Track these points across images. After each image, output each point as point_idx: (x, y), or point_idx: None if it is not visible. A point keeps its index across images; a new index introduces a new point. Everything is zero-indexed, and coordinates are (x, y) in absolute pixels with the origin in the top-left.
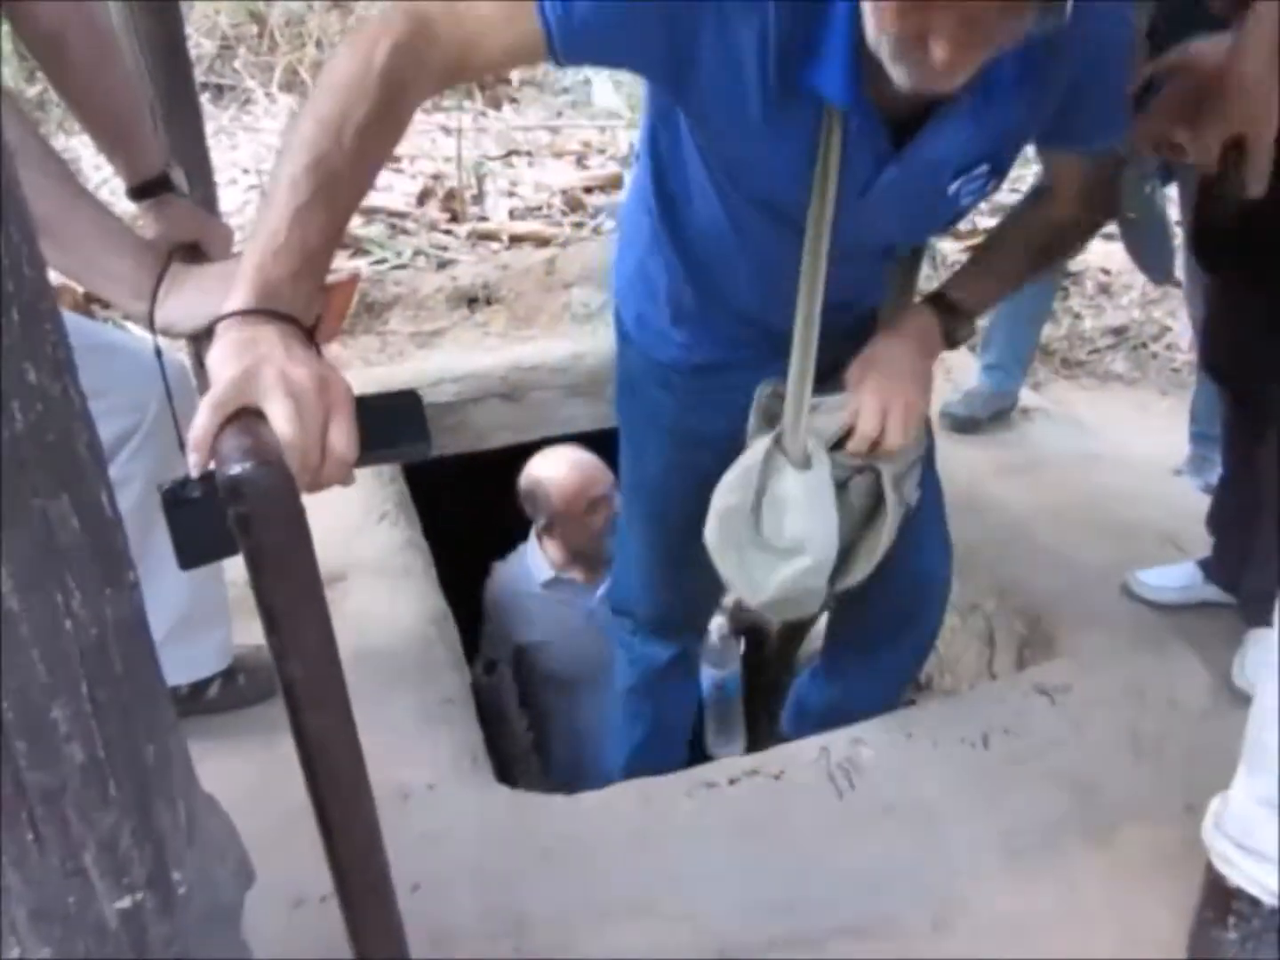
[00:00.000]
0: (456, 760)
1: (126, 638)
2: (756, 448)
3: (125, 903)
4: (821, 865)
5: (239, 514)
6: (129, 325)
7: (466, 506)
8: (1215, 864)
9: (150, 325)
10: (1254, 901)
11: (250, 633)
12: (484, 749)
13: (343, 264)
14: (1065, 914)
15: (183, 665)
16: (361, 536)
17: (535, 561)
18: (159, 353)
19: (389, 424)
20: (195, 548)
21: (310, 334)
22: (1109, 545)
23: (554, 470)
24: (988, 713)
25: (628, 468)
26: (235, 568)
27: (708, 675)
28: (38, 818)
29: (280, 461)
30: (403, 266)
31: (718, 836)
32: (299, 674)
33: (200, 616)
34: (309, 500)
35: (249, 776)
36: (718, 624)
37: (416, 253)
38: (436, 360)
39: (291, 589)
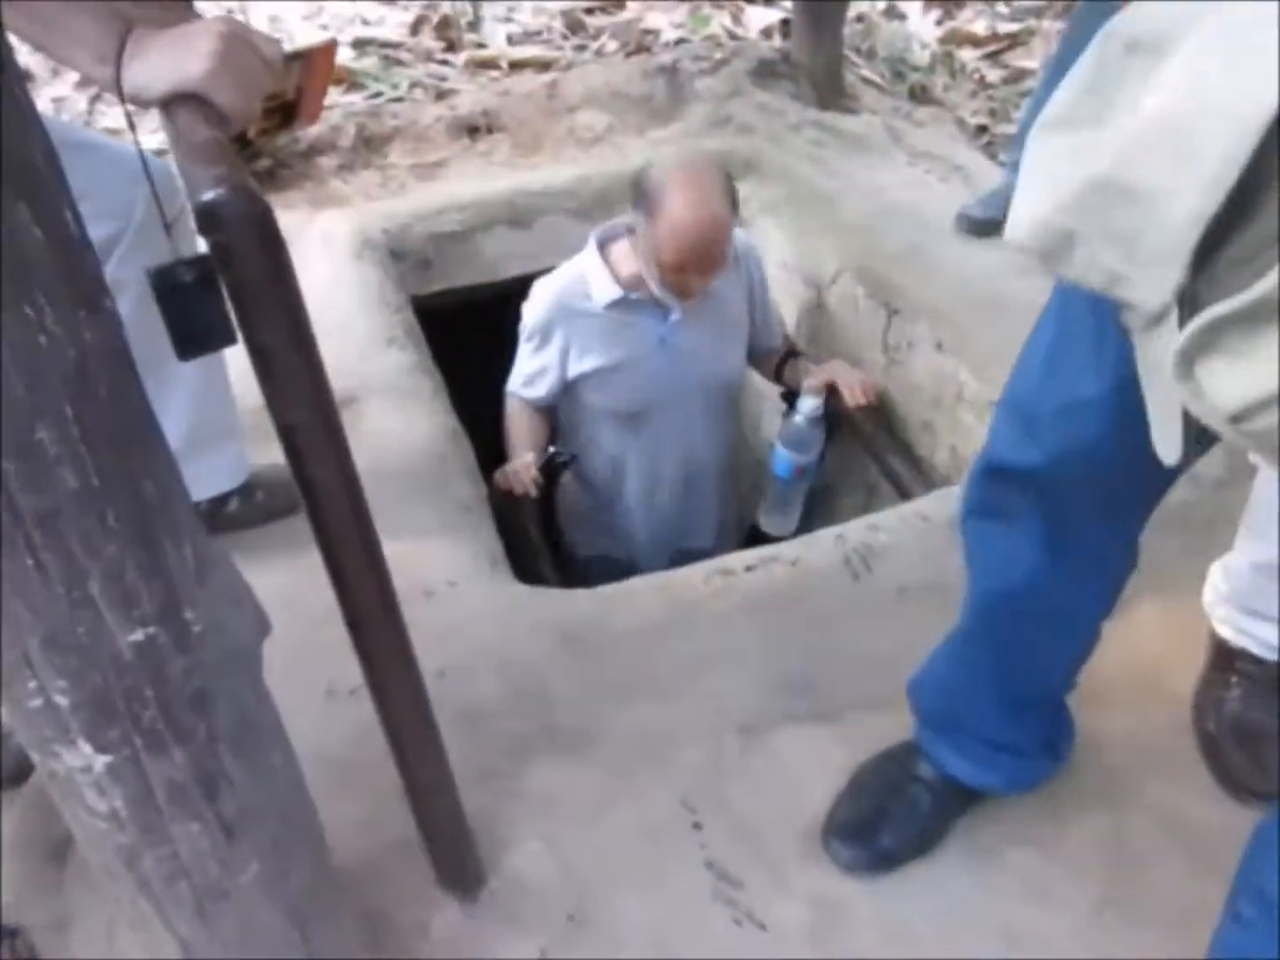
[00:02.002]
0: (476, 561)
1: (108, 365)
2: None
3: (138, 635)
4: (838, 645)
5: (217, 243)
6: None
7: (478, 337)
8: (1218, 629)
9: (118, 91)
10: (1257, 660)
11: (266, 455)
12: (503, 553)
13: (337, 99)
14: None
15: (198, 480)
16: (370, 361)
17: (597, 277)
18: (139, 145)
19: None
20: (192, 335)
21: (293, 113)
22: None
23: (686, 208)
24: None
25: None
26: (250, 394)
27: (786, 457)
28: (36, 544)
29: (255, 189)
30: (400, 99)
31: (736, 621)
32: (296, 420)
33: (211, 430)
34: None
35: (276, 585)
36: (809, 406)
37: (413, 84)
38: (439, 190)
39: (279, 325)
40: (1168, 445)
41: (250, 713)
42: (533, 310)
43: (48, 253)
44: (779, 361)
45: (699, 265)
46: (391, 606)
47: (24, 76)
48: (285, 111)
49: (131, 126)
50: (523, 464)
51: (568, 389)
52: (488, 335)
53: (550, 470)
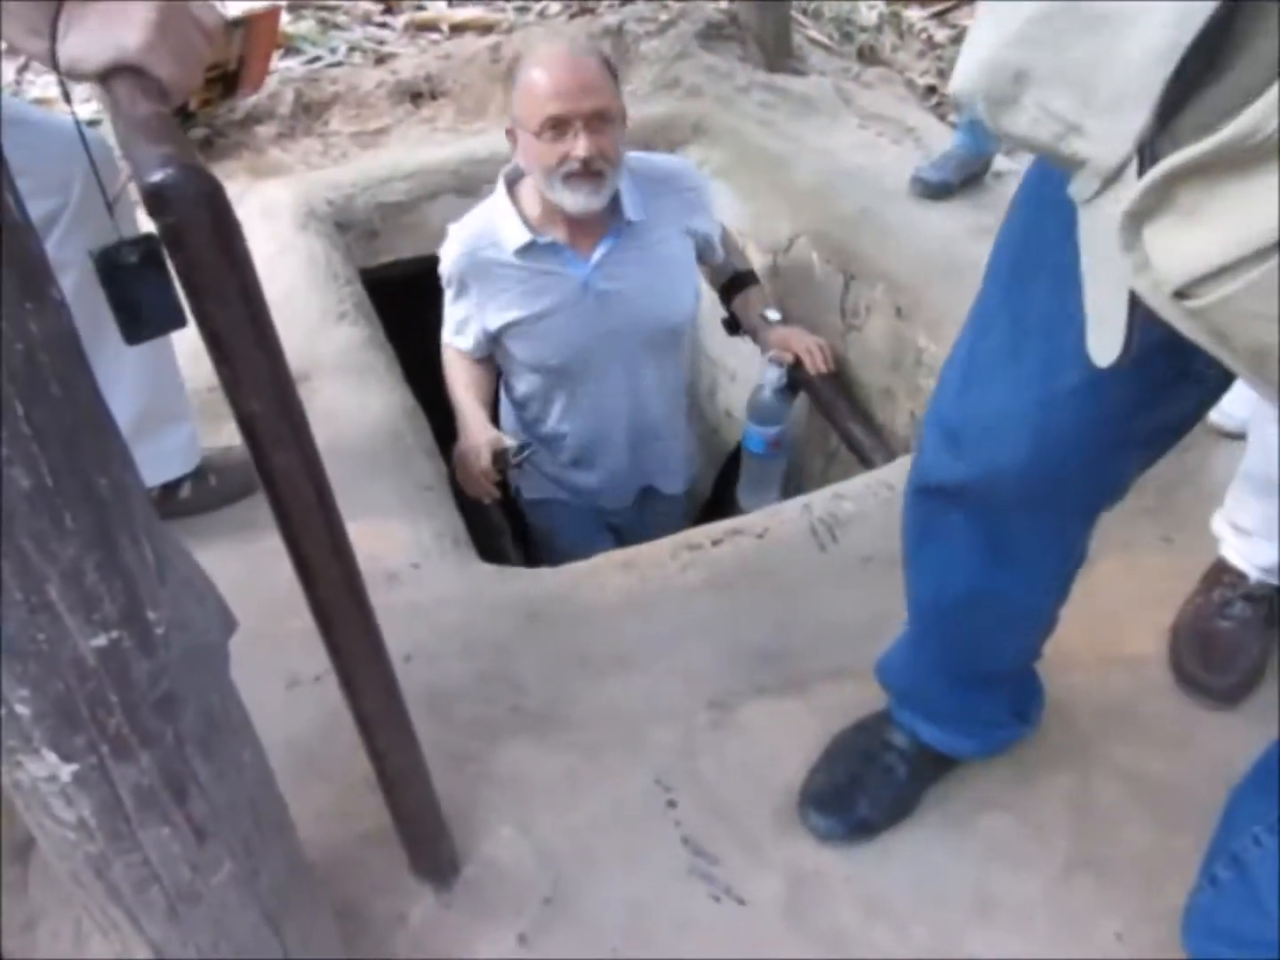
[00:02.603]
0: (439, 541)
1: (59, 358)
2: None
3: (101, 640)
4: (806, 615)
5: (167, 226)
6: None
7: (429, 310)
8: (1221, 550)
9: (53, 64)
10: (1239, 575)
11: (217, 437)
12: (465, 532)
13: (274, 64)
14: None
15: (149, 465)
16: (322, 337)
17: (506, 221)
18: (77, 120)
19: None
20: (139, 319)
21: (236, 80)
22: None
23: (540, 59)
24: None
25: None
26: (198, 376)
27: (758, 432)
28: None
29: (204, 168)
30: (338, 64)
31: (703, 594)
32: (256, 408)
33: (160, 413)
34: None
35: (232, 570)
36: (773, 377)
37: (352, 48)
38: (383, 158)
39: (234, 309)
40: (1105, 345)
41: (217, 712)
42: (445, 258)
43: None
44: (727, 283)
45: (570, 100)
46: (360, 597)
47: None
48: (227, 81)
49: (68, 100)
50: (480, 469)
51: (495, 340)
52: (438, 308)
53: (507, 467)
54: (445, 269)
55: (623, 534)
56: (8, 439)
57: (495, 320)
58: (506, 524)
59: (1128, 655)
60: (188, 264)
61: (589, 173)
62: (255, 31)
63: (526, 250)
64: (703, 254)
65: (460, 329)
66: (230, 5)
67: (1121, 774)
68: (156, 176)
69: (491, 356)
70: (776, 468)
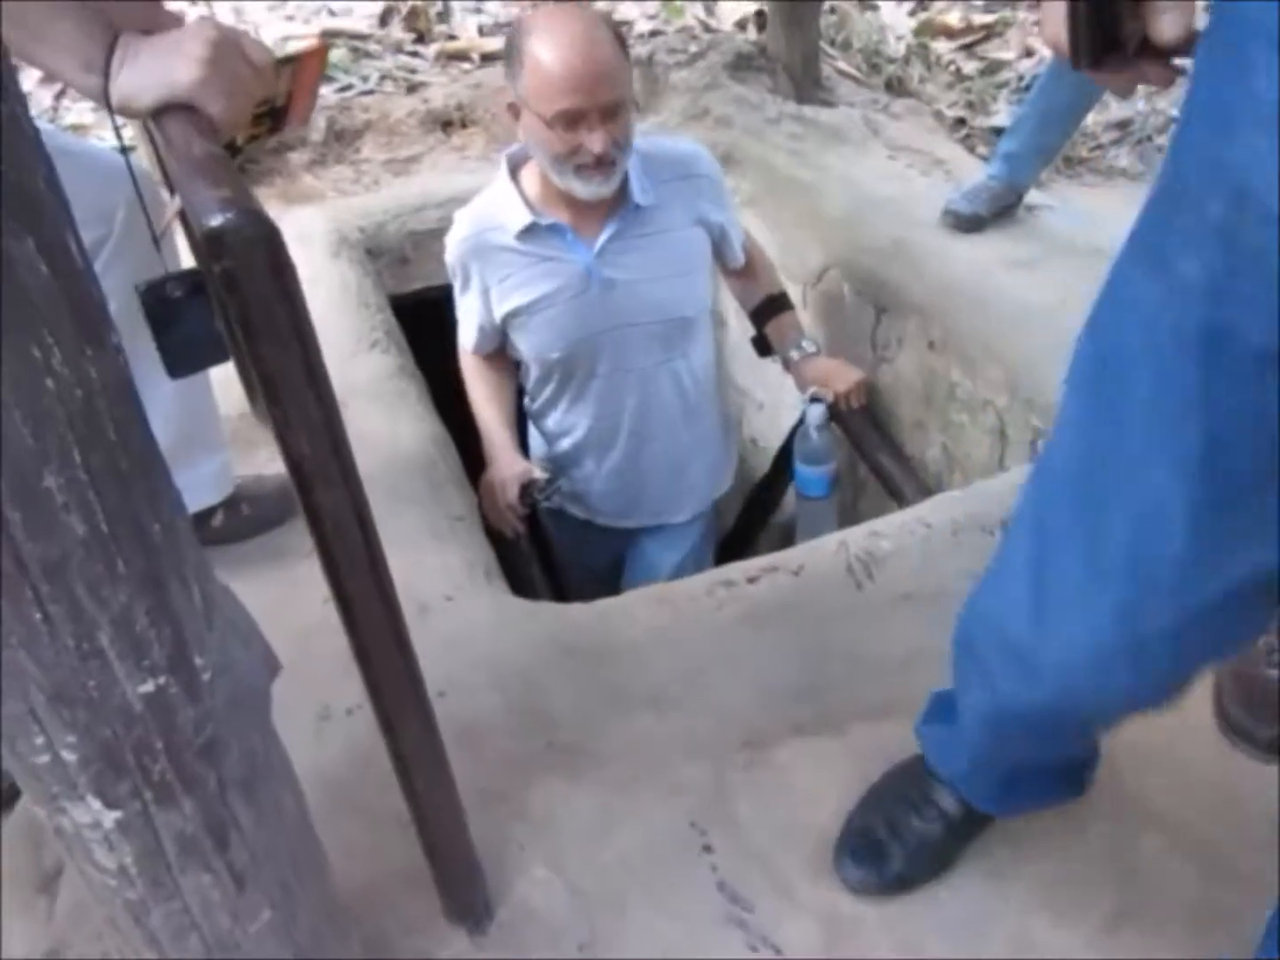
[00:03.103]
0: (471, 572)
1: (116, 402)
2: None
3: (148, 686)
4: (842, 653)
5: (224, 270)
6: None
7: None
8: None
9: (106, 101)
10: None
11: (249, 464)
12: (497, 564)
13: None
14: None
15: (183, 493)
16: (352, 365)
17: (508, 202)
18: (124, 151)
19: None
20: (183, 353)
21: (283, 115)
22: None
23: (549, 39)
24: (1006, 499)
25: None
26: (229, 402)
27: (815, 473)
28: (43, 595)
29: (262, 210)
30: (370, 92)
31: (738, 631)
32: (306, 449)
33: (194, 442)
34: None
35: (263, 599)
36: (816, 415)
37: (384, 76)
38: (414, 186)
39: (288, 352)
40: None
41: (259, 756)
42: (450, 245)
43: (53, 287)
44: (760, 307)
45: (585, 94)
46: (402, 639)
47: (25, 100)
48: (274, 116)
49: (119, 137)
50: (507, 503)
51: (501, 332)
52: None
53: (535, 503)
54: (450, 256)
55: (622, 563)
56: (66, 485)
57: (499, 308)
58: (534, 551)
59: None
60: (244, 307)
61: (602, 164)
62: (303, 68)
63: (529, 232)
64: (720, 251)
65: (469, 328)
66: (254, 28)
67: (1165, 824)
68: (216, 221)
69: (504, 352)
70: (833, 506)
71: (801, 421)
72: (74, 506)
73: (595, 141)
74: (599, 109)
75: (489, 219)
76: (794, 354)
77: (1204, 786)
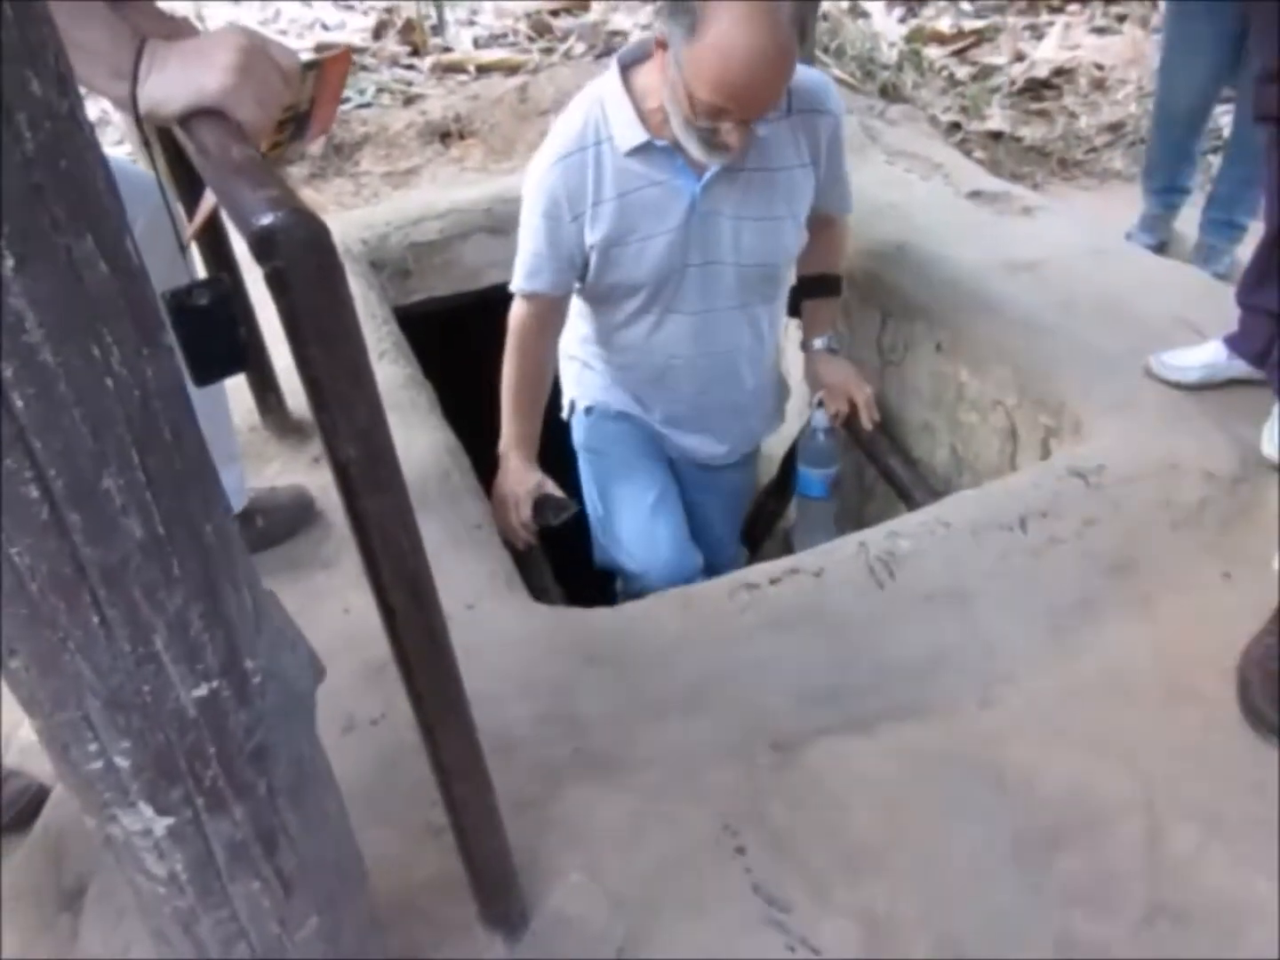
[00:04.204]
0: (492, 581)
1: (171, 404)
2: None
3: (202, 690)
4: (866, 653)
5: (274, 269)
6: None
7: (461, 347)
8: None
9: (133, 108)
10: None
11: (261, 477)
12: (516, 572)
13: None
14: (1110, 683)
15: None
16: None
17: (619, 113)
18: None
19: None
20: (207, 361)
21: (305, 125)
22: (1126, 332)
23: (741, 25)
24: (1024, 498)
25: None
26: (238, 414)
27: (817, 476)
28: (101, 599)
29: (311, 210)
30: (368, 105)
31: (762, 633)
32: (353, 454)
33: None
34: None
35: None
36: (822, 419)
37: (380, 89)
38: (415, 198)
39: (337, 354)
40: None
41: (306, 762)
42: (542, 166)
43: (113, 287)
44: (816, 279)
45: (743, 107)
46: (445, 647)
47: (81, 97)
48: (298, 123)
49: (147, 146)
50: (520, 519)
51: (584, 264)
52: (471, 345)
53: (548, 524)
54: (538, 179)
55: (678, 471)
56: (125, 488)
57: (592, 234)
58: (544, 557)
59: (1194, 693)
60: (293, 308)
61: (730, 148)
62: (327, 74)
63: (640, 152)
64: (823, 198)
65: (536, 266)
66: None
67: (1196, 816)
68: (265, 220)
69: (564, 306)
70: (831, 509)
71: (809, 424)
72: (132, 509)
73: (733, 137)
74: (750, 117)
75: (596, 131)
76: (818, 344)
77: (1234, 779)
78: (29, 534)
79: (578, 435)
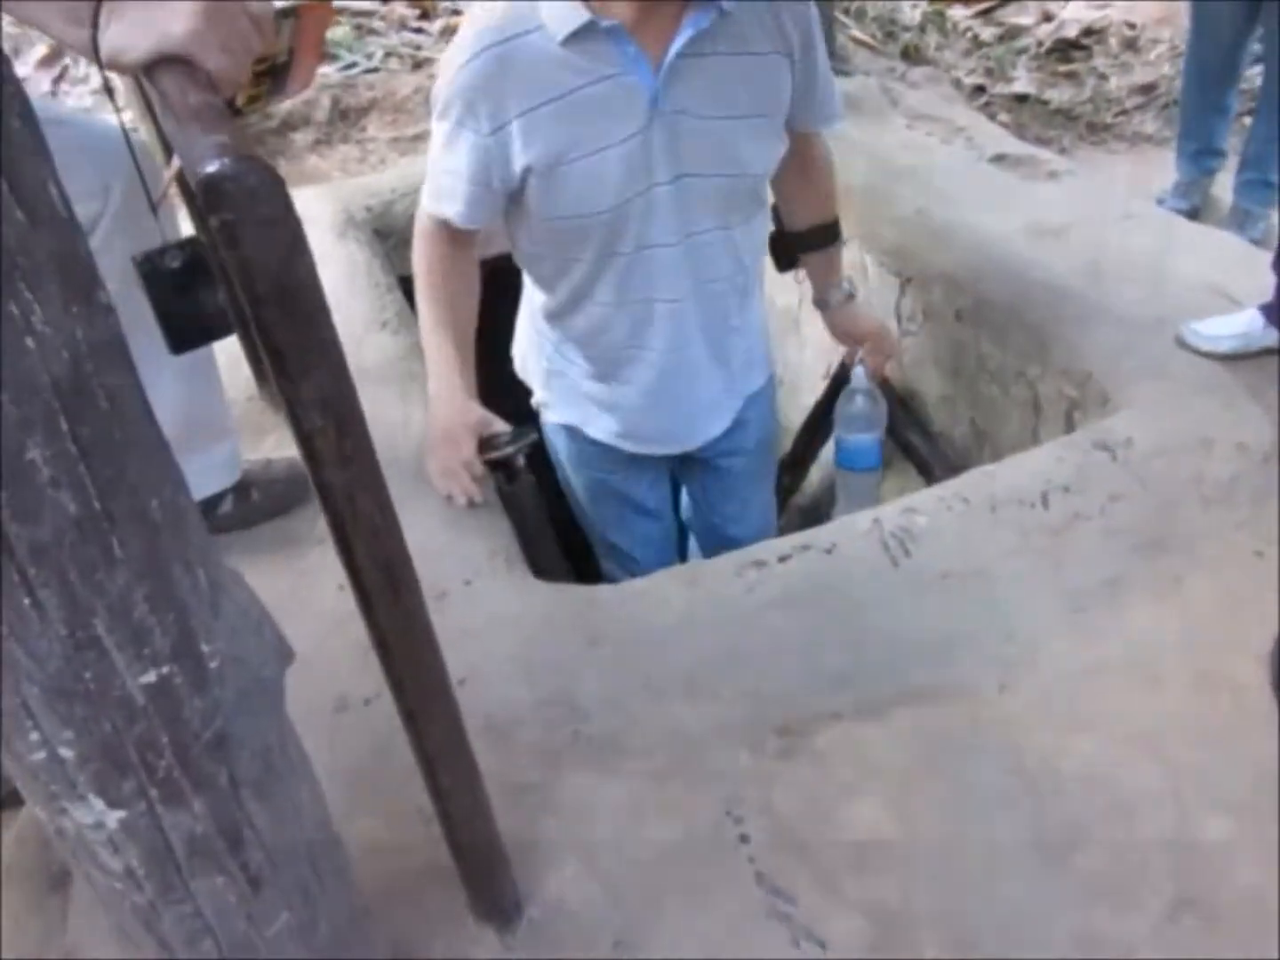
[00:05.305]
0: (491, 557)
1: (107, 367)
2: None
3: (150, 677)
4: (880, 634)
5: (223, 223)
6: None
7: None
8: None
9: (94, 56)
10: None
11: (257, 449)
12: (518, 549)
13: None
14: (1134, 665)
15: (189, 480)
16: (363, 346)
17: None
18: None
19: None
20: (185, 327)
21: (285, 74)
22: (1156, 300)
23: None
24: (1047, 472)
25: None
26: (235, 385)
27: (864, 442)
28: (32, 580)
29: (264, 159)
30: (375, 69)
31: (772, 613)
32: (317, 422)
33: (201, 426)
34: None
35: (276, 588)
36: (861, 377)
37: (388, 54)
38: (421, 164)
39: (295, 315)
40: None
41: (274, 751)
42: (451, 66)
43: (33, 237)
44: (814, 230)
45: None
46: (425, 630)
47: None
48: (276, 75)
49: (109, 94)
50: (462, 460)
51: (513, 194)
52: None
53: (498, 464)
54: (447, 81)
55: (684, 481)
56: (54, 459)
57: (523, 153)
58: (547, 526)
59: (1224, 678)
60: (244, 265)
61: None
62: (305, 24)
63: (579, 38)
64: (800, 105)
65: (450, 184)
66: None
67: (1225, 806)
68: (212, 167)
69: (475, 238)
70: (878, 479)
71: (844, 383)
72: (63, 482)
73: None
74: None
75: (521, 19)
76: (837, 293)
77: (1264, 769)
78: None
79: (556, 442)
